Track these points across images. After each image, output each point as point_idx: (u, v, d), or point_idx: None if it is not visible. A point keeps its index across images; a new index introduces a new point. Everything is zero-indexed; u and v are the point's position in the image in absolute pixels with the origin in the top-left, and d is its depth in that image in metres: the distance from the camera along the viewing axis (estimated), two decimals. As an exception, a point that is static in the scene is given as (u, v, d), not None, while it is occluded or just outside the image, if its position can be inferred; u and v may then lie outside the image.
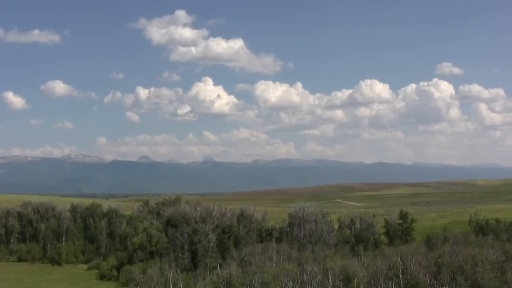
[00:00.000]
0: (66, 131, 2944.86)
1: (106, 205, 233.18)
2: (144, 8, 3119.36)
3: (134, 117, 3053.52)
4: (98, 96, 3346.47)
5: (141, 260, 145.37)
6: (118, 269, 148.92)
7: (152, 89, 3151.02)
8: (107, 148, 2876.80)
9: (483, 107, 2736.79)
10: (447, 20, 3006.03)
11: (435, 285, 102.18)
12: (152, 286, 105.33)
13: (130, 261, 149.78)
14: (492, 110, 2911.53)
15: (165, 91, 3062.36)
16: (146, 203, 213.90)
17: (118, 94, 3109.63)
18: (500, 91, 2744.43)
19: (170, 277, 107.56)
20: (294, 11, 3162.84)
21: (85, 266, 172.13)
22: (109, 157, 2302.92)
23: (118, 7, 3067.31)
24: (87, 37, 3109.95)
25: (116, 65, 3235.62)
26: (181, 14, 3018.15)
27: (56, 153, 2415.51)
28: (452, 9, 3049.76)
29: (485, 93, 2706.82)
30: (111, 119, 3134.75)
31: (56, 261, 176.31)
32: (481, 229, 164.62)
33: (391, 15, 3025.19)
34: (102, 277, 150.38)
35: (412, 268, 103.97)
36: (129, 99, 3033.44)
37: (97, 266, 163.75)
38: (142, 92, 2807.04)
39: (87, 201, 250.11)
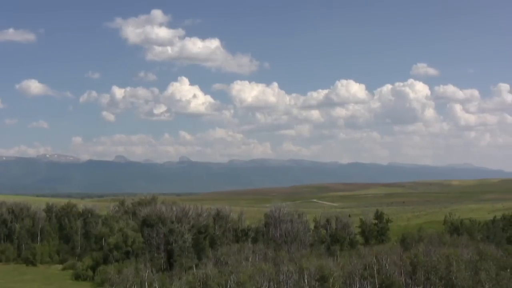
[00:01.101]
0: (42, 130, 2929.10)
1: (81, 205, 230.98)
2: (120, 8, 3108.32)
3: (110, 116, 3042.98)
4: (74, 96, 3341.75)
5: (117, 260, 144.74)
6: (93, 269, 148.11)
7: (128, 89, 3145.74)
8: (82, 148, 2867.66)
9: (458, 107, 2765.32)
10: (423, 21, 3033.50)
11: (410, 285, 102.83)
12: (127, 286, 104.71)
13: (105, 261, 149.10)
14: (466, 110, 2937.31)
15: (141, 91, 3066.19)
16: (122, 203, 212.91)
17: (94, 93, 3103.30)
18: (475, 92, 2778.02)
19: (146, 277, 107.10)
20: (271, 11, 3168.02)
21: (60, 266, 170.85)
22: (84, 157, 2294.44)
23: (94, 7, 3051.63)
24: (63, 36, 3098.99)
25: (92, 64, 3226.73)
26: (157, 13, 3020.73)
27: (31, 152, 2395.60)
28: (428, 10, 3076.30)
29: (460, 94, 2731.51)
30: (86, 118, 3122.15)
31: (30, 261, 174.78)
32: (455, 229, 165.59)
33: (367, 16, 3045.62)
34: (77, 277, 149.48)
35: (387, 267, 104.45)
36: (104, 98, 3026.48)
37: (72, 266, 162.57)
38: (118, 92, 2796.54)
39: (62, 201, 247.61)
